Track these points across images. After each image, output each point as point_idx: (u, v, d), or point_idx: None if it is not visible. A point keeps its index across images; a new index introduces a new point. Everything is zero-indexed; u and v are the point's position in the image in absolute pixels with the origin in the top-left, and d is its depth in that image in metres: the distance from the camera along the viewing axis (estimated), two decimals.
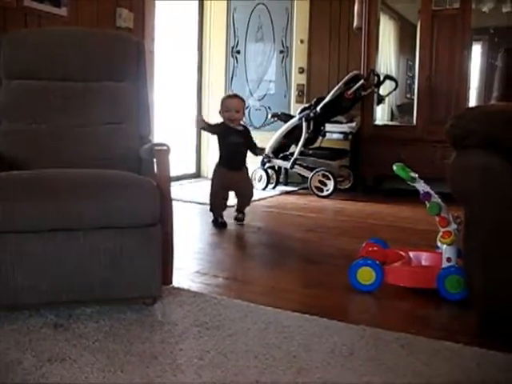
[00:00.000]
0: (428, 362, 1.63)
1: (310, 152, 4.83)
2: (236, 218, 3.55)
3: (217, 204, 3.48)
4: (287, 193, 4.82)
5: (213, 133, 3.56)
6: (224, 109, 3.46)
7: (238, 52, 5.59)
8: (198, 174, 5.63)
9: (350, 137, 4.92)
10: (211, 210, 3.48)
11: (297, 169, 4.80)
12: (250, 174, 3.71)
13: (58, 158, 2.35)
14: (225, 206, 3.53)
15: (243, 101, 3.53)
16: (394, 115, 5.57)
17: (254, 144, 3.58)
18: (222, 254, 2.94)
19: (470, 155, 1.83)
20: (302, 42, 5.33)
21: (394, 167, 2.31)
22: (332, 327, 1.87)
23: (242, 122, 3.58)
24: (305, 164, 4.81)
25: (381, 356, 1.66)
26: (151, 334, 1.78)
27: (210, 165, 5.69)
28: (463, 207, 1.88)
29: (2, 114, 2.42)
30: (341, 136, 4.93)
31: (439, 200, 2.25)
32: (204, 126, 3.48)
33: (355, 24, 4.90)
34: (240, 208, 3.57)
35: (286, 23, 5.42)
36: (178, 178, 5.28)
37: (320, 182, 4.69)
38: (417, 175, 2.33)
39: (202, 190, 4.97)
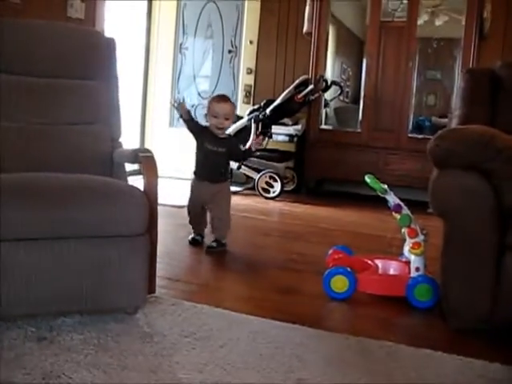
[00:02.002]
0: (416, 369, 1.72)
1: (258, 153, 4.86)
2: (208, 246, 2.99)
3: (193, 220, 3.07)
4: (233, 193, 4.82)
5: (193, 132, 2.99)
6: (212, 113, 2.93)
7: (187, 49, 5.53)
8: (139, 171, 5.51)
9: (295, 139, 5.02)
10: (190, 223, 3.09)
11: (244, 170, 4.83)
12: (230, 189, 3.16)
13: (24, 159, 2.24)
14: (204, 223, 3.08)
15: (234, 105, 3.09)
16: (328, 118, 5.71)
17: (239, 153, 3.15)
18: (187, 259, 2.91)
19: (451, 175, 1.93)
20: (251, 42, 5.34)
21: (367, 179, 2.38)
22: (317, 336, 1.92)
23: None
24: (251, 165, 4.84)
25: (371, 365, 1.73)
26: (142, 347, 1.75)
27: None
28: (443, 223, 1.99)
29: None
30: (286, 138, 5.01)
31: (409, 212, 2.36)
32: (185, 115, 2.95)
33: (305, 29, 4.97)
34: (214, 234, 3.02)
35: (236, 23, 5.42)
36: None
37: (267, 183, 4.75)
38: (386, 186, 2.42)
39: None
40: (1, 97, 2.29)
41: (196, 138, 3.01)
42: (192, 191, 3.06)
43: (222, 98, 2.99)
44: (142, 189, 1.92)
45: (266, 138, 4.90)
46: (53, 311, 1.84)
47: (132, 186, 1.91)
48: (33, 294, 1.74)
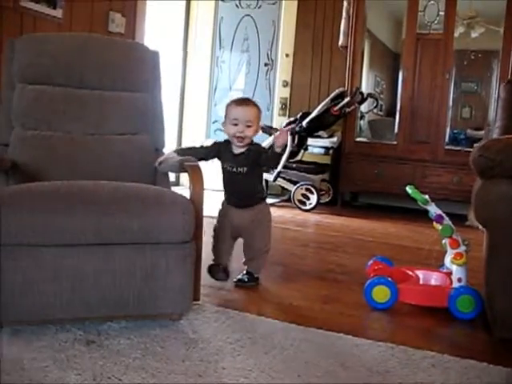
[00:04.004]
0: (462, 380, 1.70)
1: (294, 165, 4.89)
2: (237, 280, 2.51)
3: (216, 249, 2.53)
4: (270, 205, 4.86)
5: (206, 158, 2.46)
6: (230, 120, 2.35)
7: (223, 62, 5.62)
8: (177, 182, 5.60)
9: (330, 152, 5.03)
10: (213, 253, 2.55)
11: (280, 181, 4.86)
12: (269, 212, 2.58)
13: (73, 167, 2.33)
14: (228, 254, 2.56)
15: (259, 109, 2.43)
16: (362, 131, 5.72)
17: (267, 158, 2.40)
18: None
19: (495, 185, 1.92)
20: (287, 56, 5.41)
21: (409, 190, 2.38)
22: (360, 345, 1.92)
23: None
24: (287, 177, 4.87)
25: (416, 375, 1.72)
26: (188, 352, 1.77)
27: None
28: (487, 233, 1.98)
29: (16, 119, 2.35)
30: (322, 150, 5.03)
31: (450, 222, 2.35)
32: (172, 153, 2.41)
33: (340, 42, 5.01)
34: (246, 264, 2.55)
35: (272, 36, 5.50)
36: None
37: (303, 195, 4.77)
38: (427, 196, 2.41)
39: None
40: (51, 108, 2.38)
41: (219, 159, 2.48)
42: (219, 217, 2.54)
43: (244, 101, 2.43)
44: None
45: (302, 151, 4.94)
46: (100, 316, 1.89)
47: (179, 194, 1.95)
48: (81, 299, 1.80)
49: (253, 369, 1.69)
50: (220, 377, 1.63)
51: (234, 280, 2.51)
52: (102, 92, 2.47)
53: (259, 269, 2.55)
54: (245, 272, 2.54)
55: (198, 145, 2.54)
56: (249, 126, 2.34)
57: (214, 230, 2.53)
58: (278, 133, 2.33)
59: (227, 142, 2.44)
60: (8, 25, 3.33)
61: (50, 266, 1.75)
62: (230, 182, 2.46)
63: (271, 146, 2.38)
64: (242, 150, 2.40)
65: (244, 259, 2.56)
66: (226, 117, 2.41)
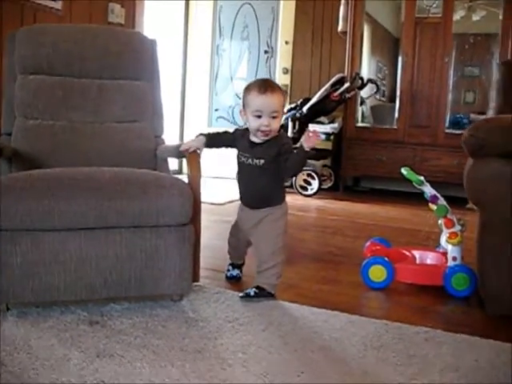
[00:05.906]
0: (454, 353, 1.75)
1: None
2: (244, 293, 2.13)
3: (230, 246, 2.38)
4: None
5: (217, 145, 2.24)
6: (252, 112, 2.01)
7: (224, 50, 5.65)
8: (179, 171, 5.66)
9: (332, 137, 5.07)
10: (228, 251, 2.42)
11: None
12: (282, 217, 2.17)
13: (75, 155, 2.38)
14: (241, 252, 2.38)
15: (283, 93, 2.08)
16: (365, 117, 5.74)
17: (293, 161, 2.00)
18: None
19: (486, 164, 1.96)
20: (286, 43, 5.43)
21: (404, 171, 2.42)
22: (356, 322, 1.98)
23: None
24: None
25: (409, 349, 1.77)
26: (188, 330, 1.84)
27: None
28: (479, 211, 2.02)
29: (18, 109, 2.41)
30: (323, 136, 5.06)
31: (445, 203, 2.39)
32: (202, 146, 2.19)
33: (340, 27, 5.03)
34: (257, 278, 2.16)
35: (271, 24, 5.53)
36: None
37: (305, 181, 4.82)
38: (422, 177, 2.45)
39: None
40: (52, 97, 2.43)
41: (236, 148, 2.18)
42: (237, 216, 2.29)
43: (267, 87, 2.00)
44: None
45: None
46: (103, 298, 1.95)
47: (177, 179, 2.01)
48: (84, 281, 1.86)
49: (250, 344, 1.75)
50: (218, 352, 1.69)
51: (240, 295, 2.13)
52: (101, 81, 2.51)
53: (269, 284, 2.13)
54: (254, 285, 2.14)
55: (223, 130, 2.27)
56: (275, 117, 1.99)
57: (230, 234, 2.35)
58: (308, 133, 1.95)
59: (246, 129, 2.12)
60: (8, 17, 3.37)
61: (53, 249, 1.81)
62: (243, 176, 2.15)
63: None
64: (265, 138, 2.04)
65: (256, 270, 2.18)
66: (244, 105, 2.06)
